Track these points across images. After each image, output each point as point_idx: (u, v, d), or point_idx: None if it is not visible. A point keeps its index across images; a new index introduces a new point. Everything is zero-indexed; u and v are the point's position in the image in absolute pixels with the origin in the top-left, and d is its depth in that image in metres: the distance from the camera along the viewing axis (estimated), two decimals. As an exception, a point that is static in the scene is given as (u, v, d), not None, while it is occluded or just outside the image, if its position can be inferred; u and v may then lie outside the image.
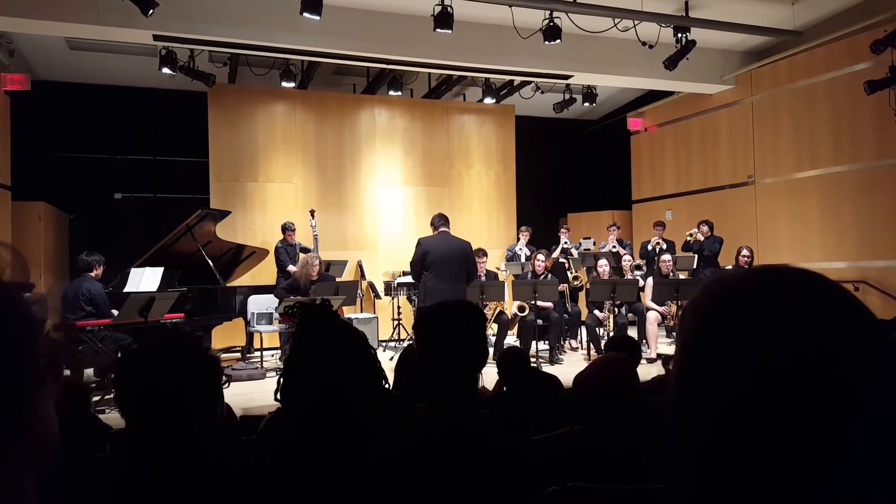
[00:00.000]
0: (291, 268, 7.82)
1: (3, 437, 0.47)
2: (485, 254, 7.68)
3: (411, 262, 6.07)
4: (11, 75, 7.96)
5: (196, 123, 9.11)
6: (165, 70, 7.87)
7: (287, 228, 8.16)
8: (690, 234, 8.63)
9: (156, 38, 6.94)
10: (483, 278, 7.48)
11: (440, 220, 6.11)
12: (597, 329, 7.46)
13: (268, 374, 6.73)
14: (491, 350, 7.18)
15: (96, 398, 5.19)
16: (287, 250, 8.13)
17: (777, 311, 0.52)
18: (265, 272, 8.32)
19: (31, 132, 8.95)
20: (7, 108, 8.13)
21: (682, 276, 8.02)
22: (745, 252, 7.57)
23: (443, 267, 5.87)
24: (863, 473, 0.48)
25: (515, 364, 3.03)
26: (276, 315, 7.23)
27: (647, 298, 7.59)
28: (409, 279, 7.82)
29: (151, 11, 5.90)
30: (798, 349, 0.50)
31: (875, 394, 0.49)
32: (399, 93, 9.46)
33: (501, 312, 7.51)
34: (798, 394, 0.49)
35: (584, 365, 2.00)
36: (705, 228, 8.53)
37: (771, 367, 0.50)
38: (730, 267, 7.87)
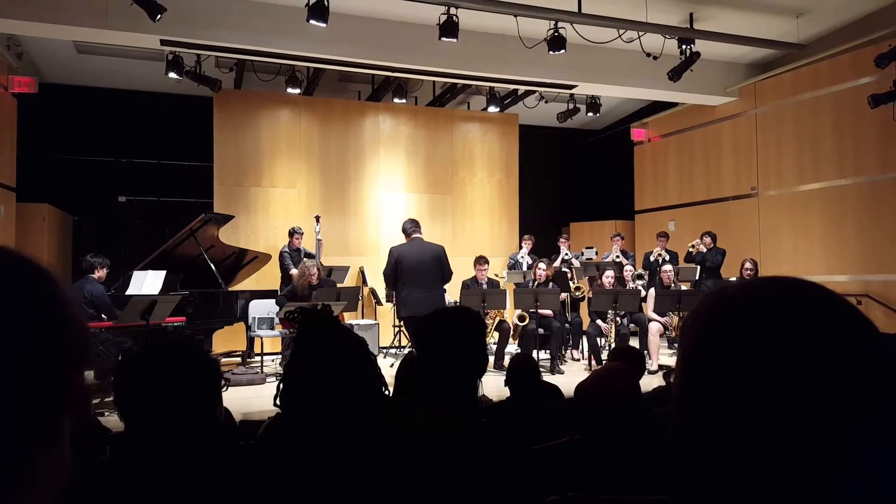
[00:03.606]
0: (294, 271, 7.82)
1: (26, 440, 0.47)
2: (486, 261, 7.67)
3: (384, 273, 6.05)
4: (19, 78, 8.02)
5: (201, 128, 9.15)
6: (172, 75, 7.91)
7: (294, 233, 8.16)
8: (693, 246, 8.62)
9: (163, 42, 6.98)
10: (485, 286, 7.48)
11: (412, 226, 6.08)
12: (598, 339, 7.44)
13: (268, 380, 6.72)
14: (491, 358, 7.17)
15: (96, 401, 5.18)
16: (292, 255, 8.12)
17: (778, 321, 0.52)
18: (268, 276, 8.32)
19: (37, 134, 9.00)
20: (14, 110, 8.18)
21: (684, 288, 8.00)
22: (748, 265, 7.55)
23: (416, 275, 5.83)
24: (862, 483, 0.48)
25: (526, 373, 3.03)
26: (277, 320, 7.22)
27: (648, 309, 7.58)
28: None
29: (159, 16, 5.94)
30: (798, 360, 0.50)
31: (876, 406, 0.49)
32: (403, 100, 9.50)
33: (502, 321, 7.50)
34: (798, 404, 0.49)
35: (584, 375, 1.99)
36: (708, 240, 8.53)
37: (772, 377, 0.50)
38: (733, 279, 7.85)
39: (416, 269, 5.83)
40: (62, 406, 0.50)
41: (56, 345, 0.49)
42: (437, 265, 5.92)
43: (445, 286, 6.52)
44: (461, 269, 8.33)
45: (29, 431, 0.47)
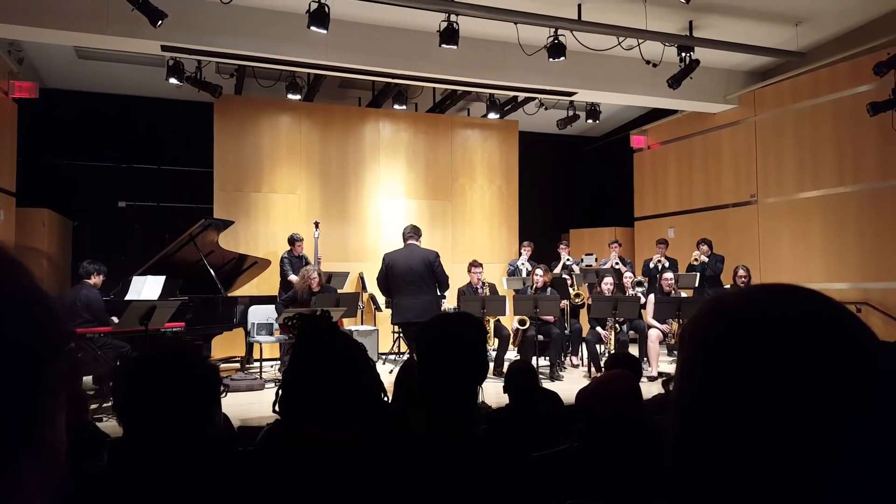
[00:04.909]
0: (293, 277, 7.81)
1: (10, 440, 0.45)
2: (479, 265, 7.64)
3: (377, 279, 6.06)
4: (20, 83, 8.04)
5: (202, 133, 9.17)
6: (172, 80, 7.93)
7: (295, 240, 8.15)
8: (695, 259, 8.59)
9: (164, 48, 7.00)
10: (479, 290, 7.48)
11: (409, 232, 6.09)
12: (597, 346, 7.44)
13: (267, 385, 6.71)
14: (491, 364, 7.15)
15: (94, 406, 5.17)
16: (293, 262, 8.11)
17: (774, 328, 0.52)
18: (267, 282, 8.32)
19: (37, 139, 9.02)
20: (15, 115, 8.19)
21: (684, 295, 7.99)
22: (741, 272, 7.56)
23: (405, 280, 5.84)
24: (859, 484, 0.48)
25: (525, 380, 3.02)
26: (276, 326, 7.21)
27: (648, 316, 7.57)
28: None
29: (160, 22, 5.96)
30: (794, 367, 0.50)
31: (871, 409, 0.49)
32: (404, 107, 9.52)
33: (499, 327, 7.48)
34: (795, 408, 0.49)
35: (584, 382, 1.99)
36: (705, 248, 8.51)
37: (769, 381, 0.50)
38: (728, 286, 7.85)
39: (406, 274, 5.85)
40: (50, 402, 0.47)
41: (37, 336, 0.46)
42: (428, 271, 5.92)
43: (444, 292, 6.51)
44: (461, 276, 8.32)
45: (14, 431, 0.44)
